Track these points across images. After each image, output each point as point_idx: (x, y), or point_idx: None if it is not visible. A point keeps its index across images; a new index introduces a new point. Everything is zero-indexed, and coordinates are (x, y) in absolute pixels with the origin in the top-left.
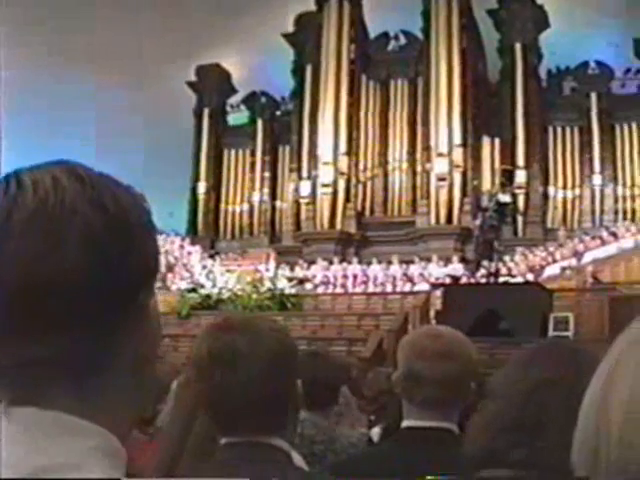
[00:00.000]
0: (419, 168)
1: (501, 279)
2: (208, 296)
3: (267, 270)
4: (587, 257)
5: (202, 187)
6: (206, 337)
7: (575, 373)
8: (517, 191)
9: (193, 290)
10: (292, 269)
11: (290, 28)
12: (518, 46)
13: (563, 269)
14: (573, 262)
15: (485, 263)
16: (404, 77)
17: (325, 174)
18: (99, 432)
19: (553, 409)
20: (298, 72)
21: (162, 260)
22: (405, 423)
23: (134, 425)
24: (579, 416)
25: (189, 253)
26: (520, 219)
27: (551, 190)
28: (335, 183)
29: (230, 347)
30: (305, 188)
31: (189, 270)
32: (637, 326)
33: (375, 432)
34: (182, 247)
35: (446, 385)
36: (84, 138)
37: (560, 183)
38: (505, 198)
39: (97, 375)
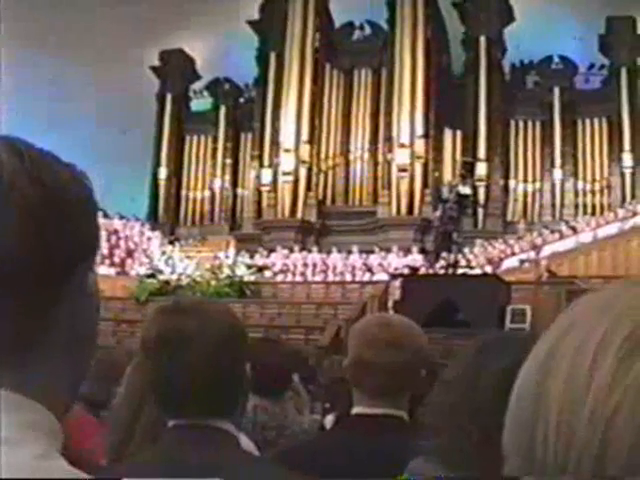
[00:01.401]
0: (381, 158)
1: (460, 271)
2: (167, 282)
3: (227, 257)
4: (546, 250)
5: (163, 173)
6: (155, 319)
7: None
8: (478, 183)
9: (152, 276)
10: (252, 257)
11: (255, 15)
12: (482, 39)
13: (521, 262)
14: (532, 255)
15: (444, 254)
16: (368, 67)
17: (286, 162)
18: (36, 408)
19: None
20: (262, 59)
21: (122, 246)
22: (355, 410)
23: (70, 406)
24: (511, 399)
25: (149, 239)
26: (480, 211)
27: (512, 183)
28: (296, 171)
29: (179, 329)
30: (266, 176)
31: (148, 256)
32: (577, 307)
33: (329, 420)
34: (142, 233)
35: (395, 373)
36: (47, 120)
37: (521, 176)
38: (465, 190)
39: (31, 350)
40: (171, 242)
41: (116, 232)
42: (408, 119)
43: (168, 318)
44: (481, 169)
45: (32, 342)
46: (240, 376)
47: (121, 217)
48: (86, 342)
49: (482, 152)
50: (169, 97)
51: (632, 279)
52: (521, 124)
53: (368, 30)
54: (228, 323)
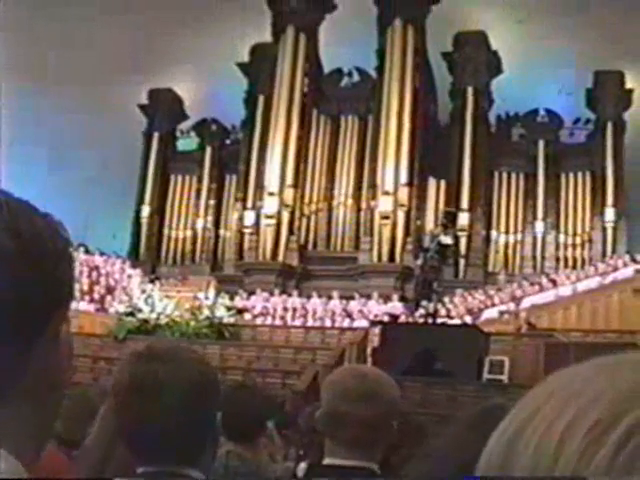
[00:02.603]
0: (364, 205)
1: (439, 320)
2: (146, 321)
3: (207, 298)
4: (526, 302)
5: (146, 210)
6: (128, 365)
7: None
8: (459, 233)
9: (131, 314)
10: (232, 298)
11: (245, 58)
12: (470, 90)
13: (501, 313)
14: (511, 306)
15: (424, 303)
16: (355, 114)
17: (270, 205)
18: (4, 456)
19: None
20: (250, 102)
21: (102, 282)
22: (327, 460)
23: (41, 450)
24: (483, 453)
25: (129, 276)
26: (461, 261)
27: (493, 234)
28: (279, 215)
29: (151, 376)
30: (249, 218)
31: (128, 293)
32: (548, 386)
33: (302, 467)
34: (123, 270)
35: (369, 426)
36: (35, 154)
37: (503, 227)
38: (447, 240)
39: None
40: (151, 280)
41: (97, 268)
42: (393, 167)
43: (140, 364)
44: (463, 219)
45: (1, 389)
46: (211, 424)
47: (102, 253)
48: (55, 389)
49: (465, 202)
50: (156, 135)
51: (601, 358)
52: (505, 176)
53: (356, 77)
54: (200, 370)
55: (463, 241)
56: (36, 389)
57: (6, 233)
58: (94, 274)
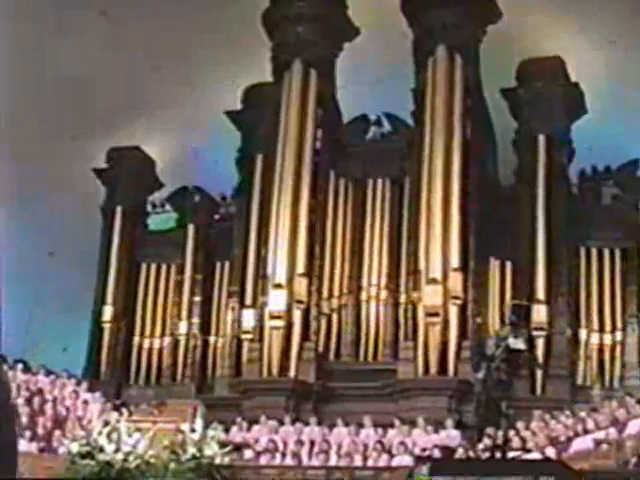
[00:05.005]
0: (403, 298)
1: (511, 454)
2: (109, 464)
3: (192, 430)
4: (632, 427)
5: (109, 312)
6: None
7: None
8: (535, 334)
9: (89, 455)
10: (227, 430)
11: (237, 104)
12: (541, 138)
13: (598, 443)
14: (612, 433)
15: (489, 431)
16: (386, 176)
17: (276, 301)
18: None
19: None
20: (245, 163)
21: (49, 412)
22: None
23: None
24: None
25: (85, 402)
26: (539, 372)
27: (582, 333)
28: (289, 314)
29: None
30: (249, 319)
31: (84, 426)
32: None
33: None
34: (76, 394)
35: None
36: None
37: (595, 324)
38: (518, 343)
39: None
40: (116, 408)
41: (41, 393)
42: (440, 246)
43: None
44: (540, 314)
45: None
46: None
47: (49, 372)
48: None
49: (541, 291)
50: (119, 211)
51: None
52: (595, 252)
53: (387, 126)
54: None
55: (540, 344)
56: None
57: None
58: (37, 400)
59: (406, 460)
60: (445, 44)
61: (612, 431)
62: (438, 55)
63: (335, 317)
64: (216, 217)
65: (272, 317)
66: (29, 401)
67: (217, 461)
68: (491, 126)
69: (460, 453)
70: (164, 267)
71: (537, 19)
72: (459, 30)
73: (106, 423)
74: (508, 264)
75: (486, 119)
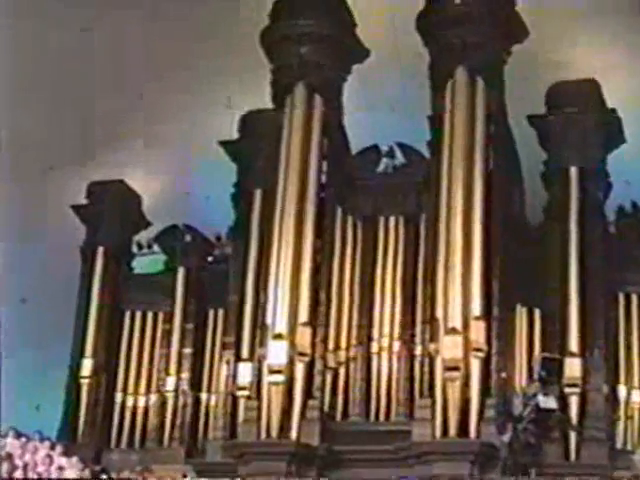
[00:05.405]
0: (419, 350)
1: None
2: None
3: None
4: None
5: (88, 366)
6: None
7: None
8: (568, 390)
9: None
10: None
11: (233, 133)
12: (574, 170)
13: None
14: None
15: None
16: (400, 213)
17: (276, 353)
18: None
19: None
20: (242, 199)
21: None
22: None
23: None
24: None
25: (61, 469)
26: (573, 434)
27: (622, 390)
28: (291, 368)
29: None
30: (245, 373)
31: None
32: None
33: None
34: (50, 459)
35: None
36: None
37: (636, 380)
38: (548, 402)
39: None
40: (96, 475)
41: (10, 458)
42: (460, 291)
43: None
44: (573, 368)
45: None
46: None
47: (19, 434)
48: None
49: (574, 342)
50: (101, 251)
51: None
52: (635, 299)
53: (400, 157)
54: None
55: (574, 403)
56: None
57: None
58: (5, 467)
59: None
60: (465, 65)
61: None
62: (457, 78)
63: (342, 371)
64: (209, 259)
65: (271, 371)
66: None
67: None
68: (517, 157)
69: None
70: (150, 315)
71: (569, 37)
72: (481, 50)
73: None
74: (537, 312)
75: (511, 149)
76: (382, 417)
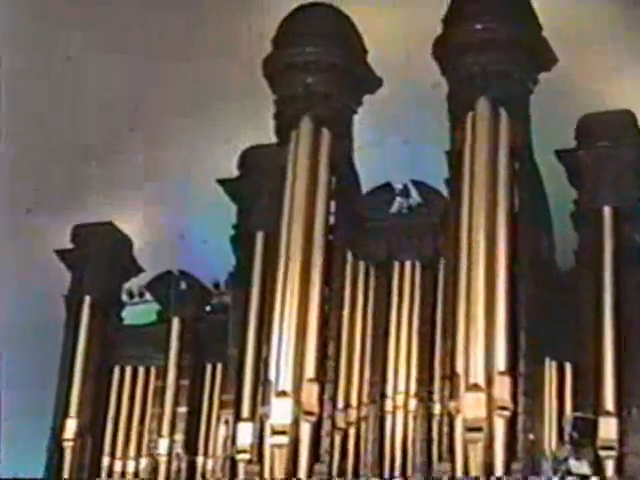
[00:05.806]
0: (437, 409)
1: None
2: None
3: None
4: None
5: (72, 427)
6: None
7: None
8: (603, 454)
9: None
10: None
11: (233, 170)
12: (607, 210)
13: None
14: None
15: None
16: (416, 257)
17: (280, 412)
18: None
19: None
20: (242, 242)
21: None
22: None
23: None
24: None
25: None
26: None
27: None
28: (296, 428)
29: None
30: (246, 435)
31: None
32: None
33: None
34: None
35: None
36: None
37: None
38: (582, 467)
39: None
40: None
41: None
42: (483, 344)
43: None
44: (609, 429)
45: None
46: None
47: None
48: None
49: (610, 400)
50: (87, 300)
51: None
52: None
53: (415, 196)
54: None
55: (610, 467)
56: None
57: None
58: None
59: None
60: (487, 96)
61: None
62: (479, 109)
63: (353, 432)
64: (207, 308)
65: (275, 432)
66: None
67: None
68: (545, 196)
69: None
70: (142, 370)
71: (601, 65)
72: (504, 79)
73: None
74: (568, 366)
75: (538, 187)
76: None
